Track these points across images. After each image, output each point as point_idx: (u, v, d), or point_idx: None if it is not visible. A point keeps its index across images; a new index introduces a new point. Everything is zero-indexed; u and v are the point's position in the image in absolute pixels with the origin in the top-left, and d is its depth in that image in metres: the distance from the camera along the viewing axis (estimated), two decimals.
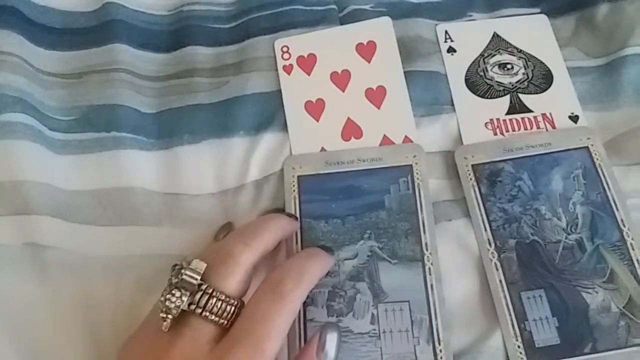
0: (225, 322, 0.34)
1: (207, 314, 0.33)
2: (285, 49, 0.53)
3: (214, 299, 0.34)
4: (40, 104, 0.49)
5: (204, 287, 0.34)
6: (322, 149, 0.48)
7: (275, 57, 0.53)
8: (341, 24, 0.55)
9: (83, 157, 0.48)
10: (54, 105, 0.50)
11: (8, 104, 0.47)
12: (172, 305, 0.33)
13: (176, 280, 0.34)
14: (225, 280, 0.35)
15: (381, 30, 0.54)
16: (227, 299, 0.34)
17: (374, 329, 0.41)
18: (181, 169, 0.48)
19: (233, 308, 0.34)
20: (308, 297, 0.42)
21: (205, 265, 0.35)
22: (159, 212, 0.47)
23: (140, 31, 0.55)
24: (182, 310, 0.33)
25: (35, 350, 0.41)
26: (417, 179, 0.46)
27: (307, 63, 0.52)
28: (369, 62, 0.53)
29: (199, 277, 0.34)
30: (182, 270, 0.34)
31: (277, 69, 0.52)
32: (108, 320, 0.42)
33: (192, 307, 0.34)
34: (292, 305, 0.34)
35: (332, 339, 0.36)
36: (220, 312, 0.33)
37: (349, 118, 0.49)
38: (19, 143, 0.46)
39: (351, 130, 0.49)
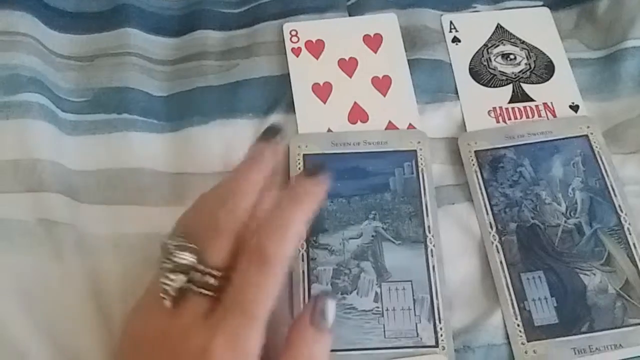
0: (219, 294, 0.35)
1: (202, 290, 0.34)
2: (293, 33, 0.54)
3: (207, 276, 0.35)
4: (54, 85, 0.50)
5: (197, 267, 0.35)
6: (329, 130, 0.49)
7: (283, 41, 0.54)
8: (349, 12, 0.56)
9: (94, 137, 0.49)
10: (67, 86, 0.52)
11: (23, 84, 0.48)
12: (169, 288, 0.34)
13: (169, 264, 0.35)
14: (216, 255, 0.35)
15: (387, 24, 0.55)
16: (219, 274, 0.35)
17: (378, 307, 0.42)
18: (190, 150, 0.50)
19: (225, 281, 0.35)
20: (313, 274, 0.43)
21: (195, 247, 0.35)
22: (168, 193, 0.48)
23: (151, 16, 0.56)
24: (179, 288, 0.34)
25: (49, 323, 0.41)
26: (421, 164, 0.47)
27: (316, 48, 0.53)
28: (375, 52, 0.54)
29: (191, 259, 0.35)
30: (174, 253, 0.35)
31: (285, 54, 0.53)
32: (117, 296, 0.43)
33: (188, 284, 0.35)
34: (277, 267, 0.34)
35: (325, 307, 0.36)
36: (213, 287, 0.34)
37: (355, 102, 0.50)
38: (34, 123, 0.47)
39: (357, 114, 0.50)
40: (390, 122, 0.50)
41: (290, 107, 0.51)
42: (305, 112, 0.50)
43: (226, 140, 0.50)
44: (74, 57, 0.53)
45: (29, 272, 0.43)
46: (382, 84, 0.52)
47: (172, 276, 0.34)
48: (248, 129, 0.50)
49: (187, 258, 0.34)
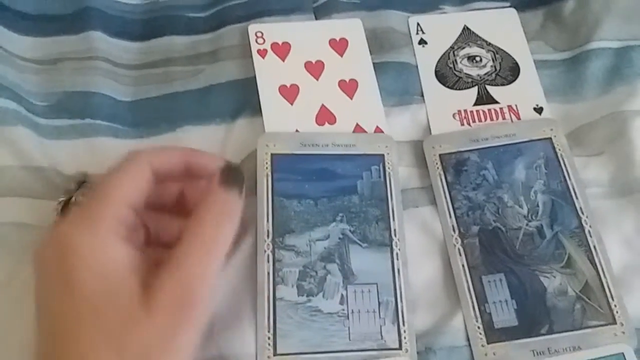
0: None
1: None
2: (259, 34, 0.54)
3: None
4: (17, 87, 0.50)
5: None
6: (297, 131, 0.49)
7: (249, 43, 0.54)
8: (315, 14, 0.56)
9: (59, 142, 0.49)
10: (29, 89, 0.51)
11: None
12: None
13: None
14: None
15: (352, 29, 0.56)
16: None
17: (343, 309, 0.42)
18: None
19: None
20: (278, 275, 0.43)
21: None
22: None
23: (115, 19, 0.56)
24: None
25: None
26: (389, 168, 0.48)
27: (282, 50, 0.54)
28: (341, 56, 0.54)
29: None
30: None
31: (251, 57, 0.53)
32: None
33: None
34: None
35: (236, 171, 0.39)
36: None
37: (322, 105, 0.51)
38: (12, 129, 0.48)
39: (325, 116, 0.50)
40: (357, 124, 0.50)
41: (257, 111, 0.51)
42: (273, 114, 0.50)
43: (194, 146, 0.49)
44: (35, 61, 0.53)
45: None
46: (348, 87, 0.52)
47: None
48: (216, 135, 0.50)
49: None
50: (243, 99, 0.51)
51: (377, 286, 0.43)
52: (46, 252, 0.35)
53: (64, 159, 0.48)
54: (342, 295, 0.43)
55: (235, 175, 0.38)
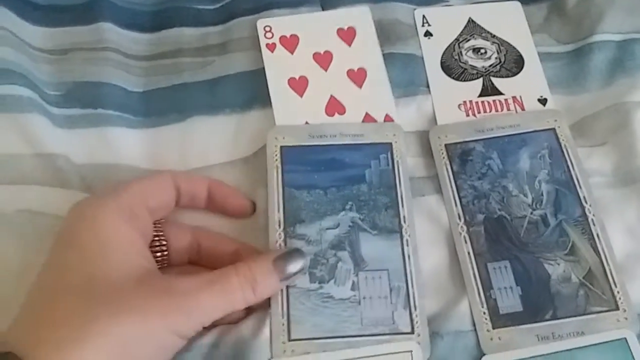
0: None
1: None
2: (267, 29, 0.55)
3: None
4: (31, 76, 0.51)
5: None
6: (306, 123, 0.50)
7: (258, 36, 0.55)
8: (322, 6, 0.57)
9: (71, 132, 0.50)
10: (43, 78, 0.52)
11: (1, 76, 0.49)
12: None
13: None
14: None
15: (360, 17, 0.57)
16: None
17: (355, 295, 0.44)
18: (167, 147, 0.51)
19: None
20: None
21: None
22: None
23: (125, 11, 0.57)
24: None
25: None
26: (397, 156, 0.49)
27: (290, 43, 0.54)
28: (349, 45, 0.55)
29: None
30: None
31: (260, 48, 0.54)
32: None
33: None
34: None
35: (296, 260, 0.41)
36: None
37: (332, 95, 0.52)
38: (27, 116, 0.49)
39: (334, 106, 0.51)
40: (367, 113, 0.51)
41: (268, 102, 0.52)
42: (282, 106, 0.51)
43: (204, 137, 0.51)
44: (47, 50, 0.54)
45: (12, 262, 0.44)
46: (357, 77, 0.53)
47: None
48: (227, 126, 0.51)
49: None
50: (253, 90, 0.53)
51: (387, 272, 0.45)
52: (65, 219, 0.37)
53: (76, 148, 0.50)
54: (353, 281, 0.44)
55: (291, 263, 0.41)
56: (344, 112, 0.51)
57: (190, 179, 0.44)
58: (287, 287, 0.44)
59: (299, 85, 0.52)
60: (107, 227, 0.36)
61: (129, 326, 0.32)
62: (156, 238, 0.41)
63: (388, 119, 0.51)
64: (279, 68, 0.53)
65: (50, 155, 0.48)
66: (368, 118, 0.51)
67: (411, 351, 0.41)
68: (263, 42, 0.54)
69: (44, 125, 0.49)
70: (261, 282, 0.38)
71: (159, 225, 0.42)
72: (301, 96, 0.52)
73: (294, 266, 0.40)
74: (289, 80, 0.52)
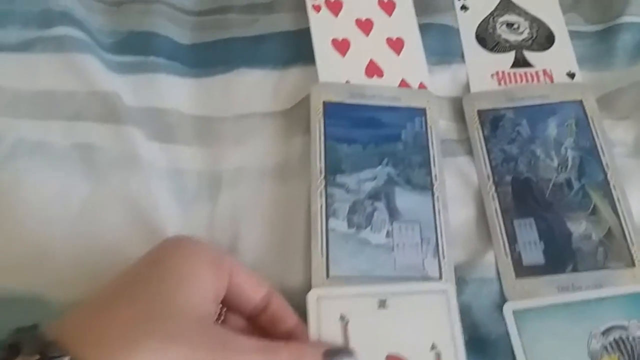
0: None
1: None
2: None
3: None
4: (88, 23, 0.54)
5: None
6: (347, 82, 0.54)
7: None
8: None
9: (122, 77, 0.53)
10: (97, 27, 0.55)
11: (56, 18, 0.53)
12: None
13: None
14: None
15: None
16: None
17: (389, 242, 0.47)
18: (212, 96, 0.54)
19: None
20: (330, 209, 0.48)
21: None
22: (192, 133, 0.52)
23: None
24: None
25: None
26: (430, 121, 0.52)
27: (334, 6, 0.58)
28: (389, 15, 0.58)
29: None
30: None
31: (305, 10, 0.57)
32: (146, 213, 0.47)
33: None
34: None
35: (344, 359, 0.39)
36: None
37: (371, 59, 0.55)
38: (82, 56, 0.51)
39: (373, 70, 0.54)
40: (403, 79, 0.54)
41: (309, 61, 0.55)
42: (325, 64, 0.54)
43: (247, 88, 0.54)
44: (103, 2, 0.58)
45: (69, 194, 0.47)
46: (395, 45, 0.56)
47: None
48: (268, 79, 0.55)
49: None
50: (295, 49, 0.56)
51: (419, 224, 0.48)
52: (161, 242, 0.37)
53: (127, 92, 0.53)
54: (388, 230, 0.47)
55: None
56: (382, 76, 0.54)
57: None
58: (327, 230, 0.47)
59: (341, 46, 0.55)
60: (195, 266, 0.35)
61: (178, 355, 0.31)
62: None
63: (422, 86, 0.54)
64: (323, 28, 0.56)
65: (103, 93, 0.51)
66: (404, 84, 0.54)
67: (446, 290, 0.44)
68: (309, 2, 0.57)
69: (98, 66, 0.52)
70: None
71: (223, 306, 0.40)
72: (343, 56, 0.55)
73: None
74: (332, 40, 0.55)
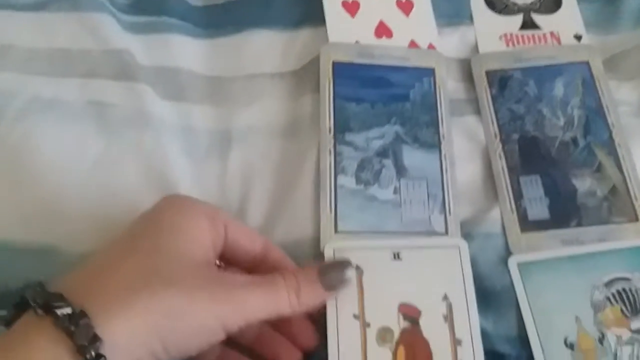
0: None
1: None
2: None
3: None
4: None
5: None
6: (357, 42, 0.54)
7: None
8: None
9: (136, 37, 0.54)
10: None
11: None
12: None
13: None
14: None
15: None
16: None
17: (396, 198, 0.48)
18: (223, 56, 0.55)
19: None
20: (339, 166, 0.49)
21: None
22: (204, 92, 0.53)
23: None
24: None
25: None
26: (438, 81, 0.53)
27: None
28: None
29: None
30: None
31: None
32: (158, 169, 0.49)
33: None
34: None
35: (340, 271, 0.39)
36: None
37: (381, 20, 0.56)
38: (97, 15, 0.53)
39: (383, 30, 0.55)
40: (412, 40, 0.55)
41: (319, 22, 0.56)
42: (335, 25, 0.55)
43: (257, 48, 0.55)
44: None
45: (82, 149, 0.48)
46: (405, 7, 0.57)
47: None
48: (278, 39, 0.56)
49: None
50: (305, 9, 0.57)
51: (426, 181, 0.49)
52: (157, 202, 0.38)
53: (140, 51, 0.54)
54: (395, 186, 0.48)
55: (335, 274, 0.39)
56: (391, 37, 0.55)
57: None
58: (336, 187, 0.48)
59: (351, 7, 0.56)
60: (191, 218, 0.36)
61: (176, 299, 0.32)
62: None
63: (431, 47, 0.55)
64: None
65: (117, 51, 0.52)
66: (413, 44, 0.55)
67: (459, 245, 0.45)
68: None
69: (112, 25, 0.53)
70: (305, 290, 0.37)
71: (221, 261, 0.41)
72: (353, 17, 0.55)
73: (338, 277, 0.39)
74: (342, 1, 0.56)
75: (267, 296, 0.35)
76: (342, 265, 0.39)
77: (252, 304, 0.35)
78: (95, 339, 0.29)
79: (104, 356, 0.30)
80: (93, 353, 0.29)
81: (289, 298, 0.36)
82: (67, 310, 0.30)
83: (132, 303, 0.31)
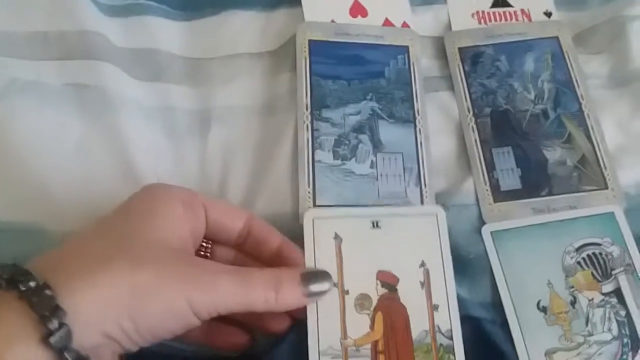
0: None
1: None
2: None
3: None
4: None
5: None
6: (332, 21, 0.55)
7: None
8: None
9: (113, 20, 0.55)
10: None
11: None
12: None
13: None
14: None
15: None
16: None
17: (373, 172, 0.49)
18: (201, 37, 0.56)
19: None
20: (316, 142, 0.50)
21: None
22: (182, 73, 0.54)
23: None
24: None
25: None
26: (413, 57, 0.54)
27: None
28: None
29: None
30: None
31: None
32: (138, 149, 0.49)
33: None
34: None
35: (322, 282, 0.40)
36: None
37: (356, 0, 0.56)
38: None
39: (358, 9, 0.56)
40: (387, 19, 0.56)
41: (295, 3, 0.56)
42: (311, 4, 0.56)
43: (234, 29, 0.56)
44: None
45: (63, 131, 0.49)
46: None
47: None
48: (255, 20, 0.56)
49: None
50: None
51: (402, 155, 0.50)
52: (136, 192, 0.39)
53: (117, 34, 0.54)
54: (372, 160, 0.49)
55: (317, 283, 0.39)
56: (366, 15, 0.56)
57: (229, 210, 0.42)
58: (313, 162, 0.49)
59: None
60: (165, 205, 0.37)
61: (144, 277, 0.33)
62: (202, 246, 0.42)
63: (405, 25, 0.56)
64: None
65: (93, 34, 0.52)
66: (387, 23, 0.56)
67: (437, 213, 0.46)
68: None
69: (89, 7, 0.53)
70: (285, 289, 0.37)
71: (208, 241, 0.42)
72: None
73: (319, 286, 0.39)
74: None
75: (239, 285, 0.35)
76: (323, 275, 0.40)
77: (223, 290, 0.35)
78: (56, 309, 0.30)
79: (67, 324, 0.30)
80: (56, 323, 0.30)
81: (265, 294, 0.36)
82: (32, 284, 0.31)
83: (97, 278, 0.32)
